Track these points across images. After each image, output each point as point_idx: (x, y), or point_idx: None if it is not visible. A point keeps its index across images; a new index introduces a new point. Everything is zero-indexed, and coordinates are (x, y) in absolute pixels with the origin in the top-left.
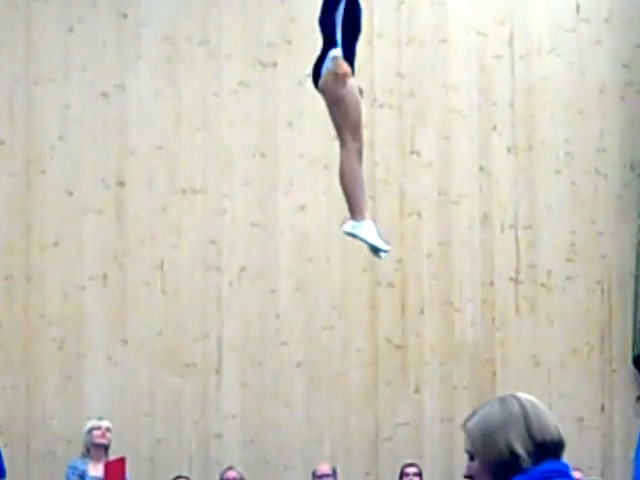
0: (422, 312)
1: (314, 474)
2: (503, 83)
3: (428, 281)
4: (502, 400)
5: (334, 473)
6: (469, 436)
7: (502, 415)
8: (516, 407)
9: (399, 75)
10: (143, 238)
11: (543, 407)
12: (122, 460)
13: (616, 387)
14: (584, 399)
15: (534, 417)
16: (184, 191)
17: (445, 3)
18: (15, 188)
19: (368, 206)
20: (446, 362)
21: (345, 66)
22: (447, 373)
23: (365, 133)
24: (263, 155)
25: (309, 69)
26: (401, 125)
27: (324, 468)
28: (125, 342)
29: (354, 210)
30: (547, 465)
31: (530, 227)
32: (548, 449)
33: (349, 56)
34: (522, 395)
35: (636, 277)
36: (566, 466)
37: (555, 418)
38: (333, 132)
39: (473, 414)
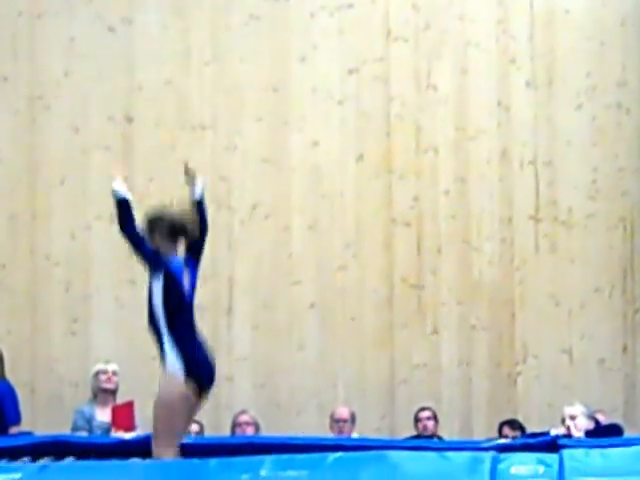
0: (439, 251)
1: (332, 417)
2: (522, 15)
3: (445, 219)
4: None
5: (352, 418)
6: None
7: None
8: None
9: (415, 7)
10: (151, 176)
11: None
12: (130, 404)
13: (639, 327)
14: (605, 340)
15: None
16: (193, 127)
17: None
18: (19, 125)
19: None
20: (464, 302)
21: None
22: (465, 314)
23: (380, 67)
24: (275, 90)
25: None
26: (417, 59)
27: (343, 412)
28: (133, 283)
29: None
30: None
31: (550, 163)
32: None
33: None
34: None
35: None
36: None
37: None
38: (347, 66)
39: None
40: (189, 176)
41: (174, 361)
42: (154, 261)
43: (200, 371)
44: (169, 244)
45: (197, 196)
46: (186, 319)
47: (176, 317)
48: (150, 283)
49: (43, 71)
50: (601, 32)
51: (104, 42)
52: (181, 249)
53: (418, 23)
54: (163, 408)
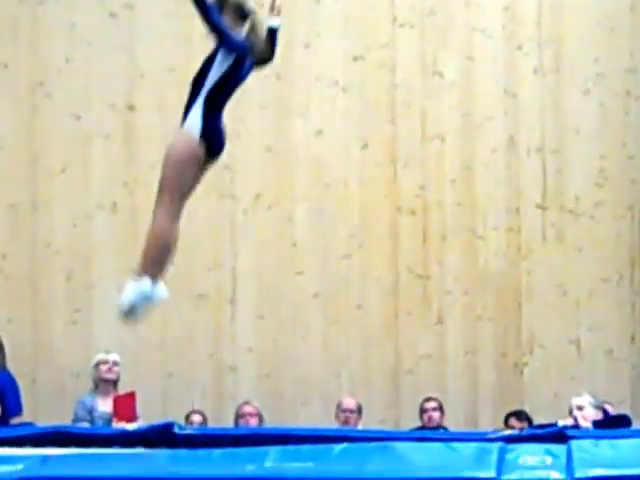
0: (445, 240)
1: (339, 407)
2: (529, 1)
3: (451, 208)
4: None
5: (359, 410)
6: None
7: None
8: None
9: None
10: (154, 164)
11: None
12: (132, 394)
13: None
14: (613, 330)
15: None
16: None
17: None
18: (20, 113)
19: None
20: (470, 292)
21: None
22: (471, 303)
23: (385, 54)
24: (279, 77)
25: None
26: (423, 45)
27: (349, 403)
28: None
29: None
30: None
31: (557, 151)
32: None
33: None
34: None
35: None
36: None
37: None
38: (352, 53)
39: None
40: (274, 11)
41: (196, 119)
42: (236, 41)
43: (214, 136)
44: (236, 27)
45: (275, 25)
46: (224, 101)
47: (219, 94)
48: (217, 51)
49: (44, 58)
50: (610, 18)
51: (106, 28)
52: None
53: (424, 9)
54: (173, 160)
